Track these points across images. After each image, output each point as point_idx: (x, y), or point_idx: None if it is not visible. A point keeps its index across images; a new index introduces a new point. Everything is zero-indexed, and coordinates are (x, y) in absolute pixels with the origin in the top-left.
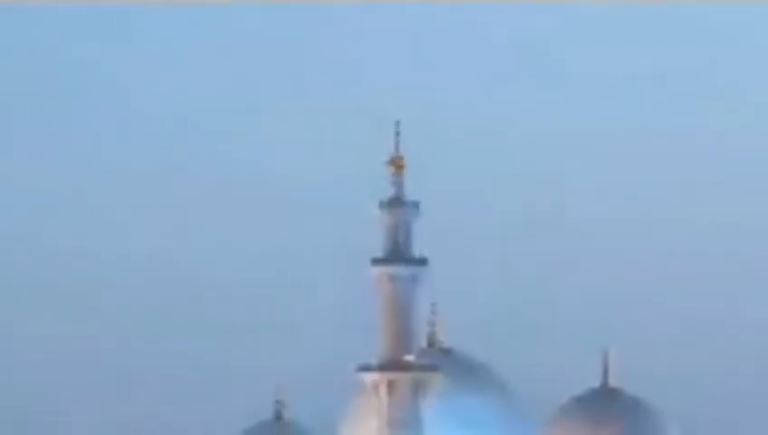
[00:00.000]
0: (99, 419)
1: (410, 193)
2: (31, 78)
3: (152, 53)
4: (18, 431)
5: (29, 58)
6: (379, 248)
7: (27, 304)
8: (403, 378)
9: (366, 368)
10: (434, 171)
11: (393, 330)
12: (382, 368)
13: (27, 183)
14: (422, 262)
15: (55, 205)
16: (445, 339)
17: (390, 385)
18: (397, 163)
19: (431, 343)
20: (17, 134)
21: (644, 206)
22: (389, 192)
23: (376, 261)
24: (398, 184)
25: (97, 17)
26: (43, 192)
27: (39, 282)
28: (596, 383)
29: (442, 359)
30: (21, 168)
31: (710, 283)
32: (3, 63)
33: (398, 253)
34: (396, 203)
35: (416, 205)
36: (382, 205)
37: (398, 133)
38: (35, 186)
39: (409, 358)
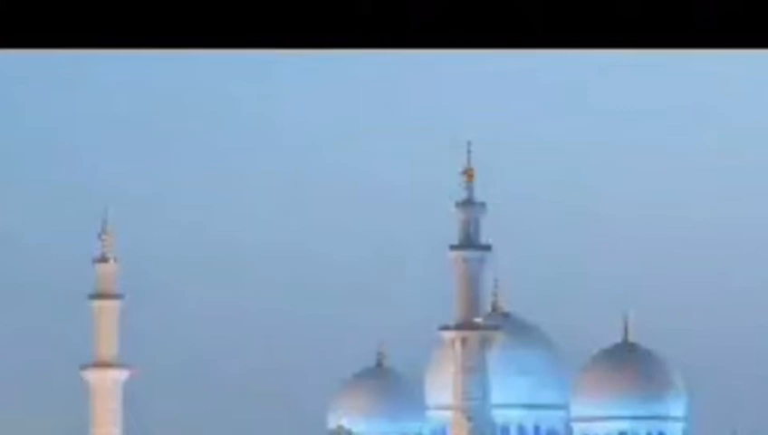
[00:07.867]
0: (246, 363)
1: (479, 196)
2: (197, 109)
3: (286, 90)
4: (189, 373)
5: (194, 94)
6: (455, 237)
7: (195, 277)
8: (473, 335)
9: (445, 327)
10: (497, 179)
11: (465, 299)
12: (457, 327)
13: (197, 186)
14: (487, 248)
15: (218, 204)
16: (505, 305)
17: (463, 341)
18: (468, 173)
19: (494, 308)
20: (191, 149)
21: (656, 205)
22: (463, 195)
23: (453, 247)
24: (470, 189)
25: (242, 63)
26: (209, 195)
27: (205, 261)
28: (618, 339)
29: (503, 321)
30: (190, 176)
31: (706, 264)
32: (177, 98)
33: (469, 241)
34: (468, 203)
35: (483, 205)
36: (457, 204)
37: (469, 151)
38: (203, 188)
39: (478, 320)
